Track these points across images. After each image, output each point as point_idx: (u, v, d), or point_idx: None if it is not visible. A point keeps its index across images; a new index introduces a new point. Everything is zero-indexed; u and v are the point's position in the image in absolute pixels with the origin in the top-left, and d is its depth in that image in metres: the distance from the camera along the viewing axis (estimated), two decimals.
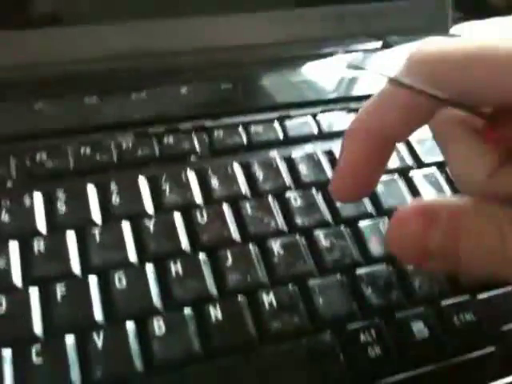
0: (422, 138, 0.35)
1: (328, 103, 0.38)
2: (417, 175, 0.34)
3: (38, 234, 0.28)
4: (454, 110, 0.22)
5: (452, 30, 0.45)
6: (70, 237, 0.28)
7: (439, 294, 0.29)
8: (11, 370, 0.24)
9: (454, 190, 0.33)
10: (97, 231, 0.28)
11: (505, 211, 0.20)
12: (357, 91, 0.39)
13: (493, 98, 0.20)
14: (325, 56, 0.41)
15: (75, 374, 0.24)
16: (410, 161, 0.35)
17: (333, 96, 0.38)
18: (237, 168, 0.33)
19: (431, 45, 0.21)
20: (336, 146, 0.34)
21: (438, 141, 0.25)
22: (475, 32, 0.45)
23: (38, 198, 0.30)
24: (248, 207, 0.31)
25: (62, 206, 0.29)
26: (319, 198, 0.32)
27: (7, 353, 0.24)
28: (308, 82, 0.39)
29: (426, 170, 0.34)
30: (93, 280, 0.27)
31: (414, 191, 0.33)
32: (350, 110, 0.37)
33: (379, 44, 0.42)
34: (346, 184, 0.25)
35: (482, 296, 0.29)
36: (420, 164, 0.34)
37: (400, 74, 0.22)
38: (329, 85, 0.39)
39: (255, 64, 0.39)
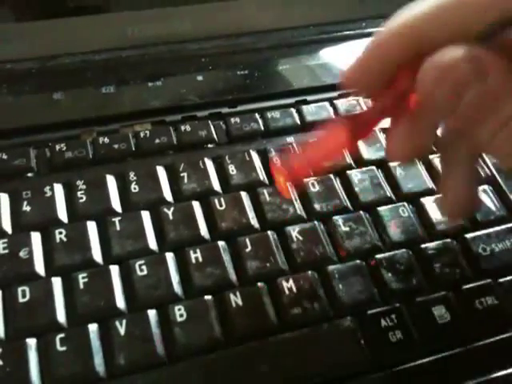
0: None
1: None
2: (436, 159, 0.33)
3: (60, 223, 0.29)
4: None
5: None
6: (91, 226, 0.29)
7: (460, 278, 0.29)
8: (36, 358, 0.24)
9: None
10: (117, 220, 0.29)
11: None
12: None
13: None
14: (341, 39, 0.40)
15: (99, 361, 0.25)
16: None
17: None
18: (254, 155, 0.33)
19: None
20: None
21: None
22: None
23: (58, 188, 0.30)
24: (266, 194, 0.31)
25: (82, 196, 0.30)
26: (337, 184, 0.31)
27: (32, 341, 0.25)
28: (325, 66, 0.38)
29: None
30: (114, 268, 0.27)
31: (435, 175, 0.32)
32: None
33: None
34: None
35: (504, 279, 0.29)
36: None
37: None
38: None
39: (271, 49, 0.39)
